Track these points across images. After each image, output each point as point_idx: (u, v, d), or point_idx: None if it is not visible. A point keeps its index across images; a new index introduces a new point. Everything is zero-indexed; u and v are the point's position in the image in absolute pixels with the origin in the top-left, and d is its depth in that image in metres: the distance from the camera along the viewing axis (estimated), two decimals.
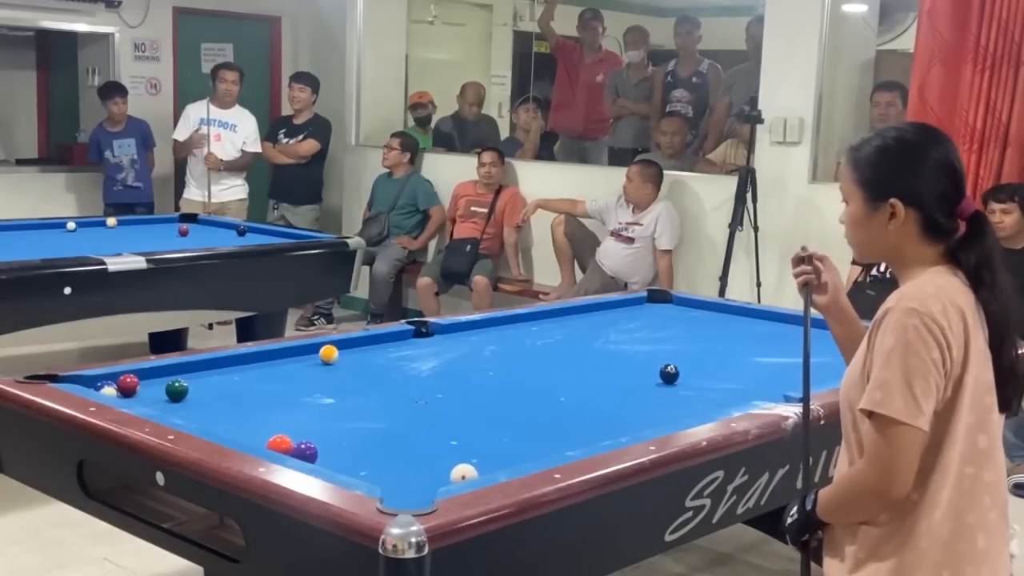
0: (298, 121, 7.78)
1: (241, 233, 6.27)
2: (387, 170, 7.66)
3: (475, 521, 2.10)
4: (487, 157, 7.14)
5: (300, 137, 7.72)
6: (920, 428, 1.81)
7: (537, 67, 8.66)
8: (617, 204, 6.47)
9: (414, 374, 3.47)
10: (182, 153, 7.61)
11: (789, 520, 2.01)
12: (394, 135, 7.75)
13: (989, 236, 1.95)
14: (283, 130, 7.83)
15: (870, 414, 1.83)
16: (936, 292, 1.86)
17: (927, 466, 1.87)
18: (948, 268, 1.93)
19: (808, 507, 1.97)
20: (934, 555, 1.88)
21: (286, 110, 8.65)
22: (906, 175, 1.92)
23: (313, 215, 7.79)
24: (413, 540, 1.97)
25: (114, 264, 4.92)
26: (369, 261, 7.16)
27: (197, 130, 7.39)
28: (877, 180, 1.94)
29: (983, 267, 1.93)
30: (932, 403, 1.83)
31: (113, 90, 7.54)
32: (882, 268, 5.42)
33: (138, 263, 5.01)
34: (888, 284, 5.32)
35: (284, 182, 7.81)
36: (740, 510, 2.78)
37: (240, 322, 6.06)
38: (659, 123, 7.25)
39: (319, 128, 7.76)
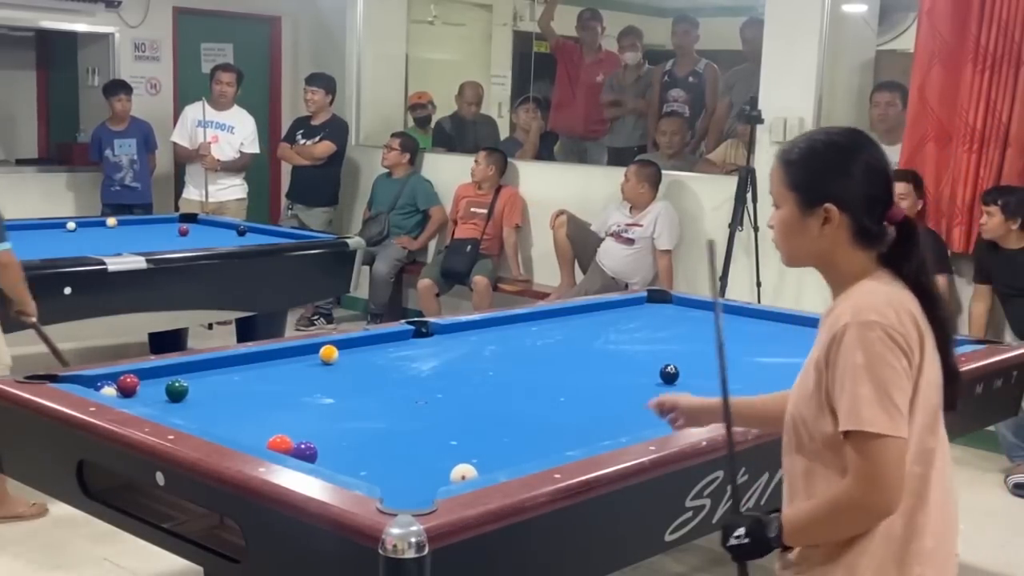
0: (315, 122, 7.77)
1: (241, 233, 6.27)
2: (387, 170, 7.66)
3: (475, 521, 2.10)
4: (479, 157, 7.17)
5: (317, 138, 7.72)
6: (904, 438, 1.80)
7: (537, 67, 8.67)
8: (614, 206, 6.48)
9: (414, 374, 3.48)
10: (186, 159, 7.61)
11: (736, 542, 1.92)
12: (394, 135, 7.75)
13: (919, 241, 1.93)
14: (301, 131, 7.83)
15: (849, 433, 1.80)
16: (888, 301, 1.84)
17: None
18: (889, 275, 1.90)
19: (771, 534, 1.90)
20: (886, 555, 1.86)
21: (286, 110, 8.68)
22: (840, 179, 1.89)
23: (326, 217, 7.78)
24: (413, 540, 1.97)
25: (114, 264, 4.92)
26: (369, 261, 7.17)
27: (204, 142, 7.38)
28: (811, 184, 1.90)
29: (921, 273, 1.92)
30: (907, 410, 1.83)
31: (118, 87, 7.54)
32: None
33: (138, 263, 5.01)
34: None
35: (300, 183, 7.81)
36: (740, 510, 2.77)
37: (240, 322, 6.07)
38: (658, 123, 7.26)
39: (335, 130, 7.75)
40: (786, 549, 1.92)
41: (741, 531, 1.92)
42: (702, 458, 2.59)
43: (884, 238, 1.91)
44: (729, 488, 2.05)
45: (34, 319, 4.31)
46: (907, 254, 1.91)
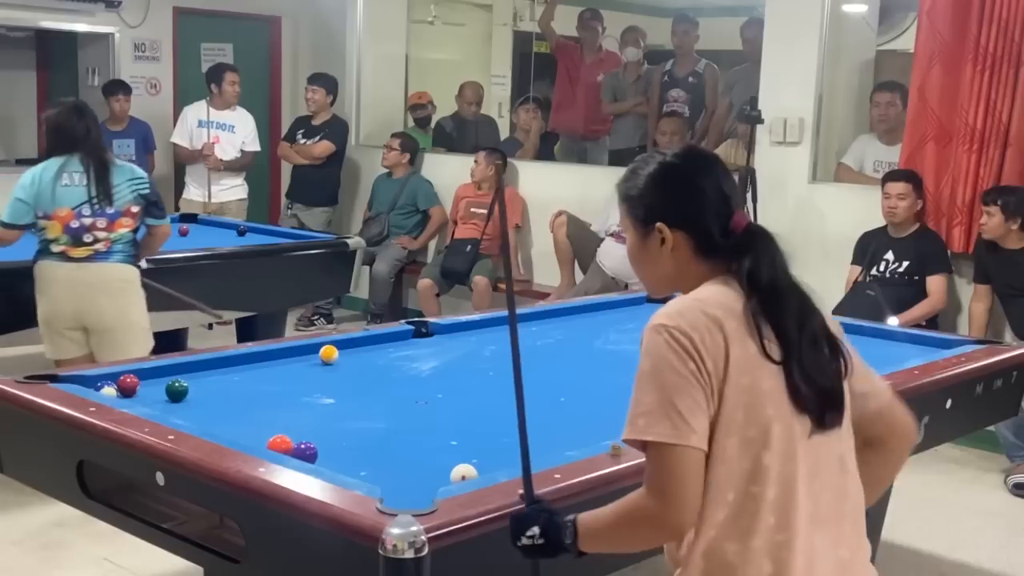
0: (316, 122, 7.78)
1: (241, 233, 6.27)
2: (387, 170, 7.67)
3: (475, 521, 2.10)
4: (479, 157, 7.17)
5: (316, 138, 7.72)
6: (694, 447, 1.70)
7: (537, 67, 8.67)
8: (615, 206, 6.46)
9: (414, 374, 3.48)
10: (188, 161, 7.60)
11: (529, 542, 1.85)
12: (394, 135, 7.75)
13: (763, 243, 1.86)
14: (301, 131, 7.83)
15: (640, 443, 1.73)
16: (691, 304, 1.79)
17: (706, 488, 1.76)
18: (718, 279, 1.84)
19: (567, 540, 1.83)
20: None
21: (286, 110, 8.68)
22: (668, 198, 1.88)
23: (326, 217, 7.79)
24: (413, 540, 1.97)
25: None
26: (369, 261, 7.17)
27: (207, 142, 7.38)
28: (643, 207, 1.90)
29: (759, 271, 1.81)
30: (703, 419, 1.71)
31: (116, 87, 7.54)
32: (881, 268, 5.43)
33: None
34: (888, 283, 5.33)
35: (300, 183, 7.82)
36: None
37: (240, 322, 6.07)
38: (658, 123, 7.26)
39: (335, 130, 7.76)
40: (581, 554, 1.85)
41: (536, 531, 1.85)
42: None
43: (728, 248, 1.85)
44: (522, 474, 1.97)
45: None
46: (743, 254, 1.84)
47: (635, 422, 1.73)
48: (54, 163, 4.30)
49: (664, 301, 1.92)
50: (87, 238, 4.26)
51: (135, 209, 4.36)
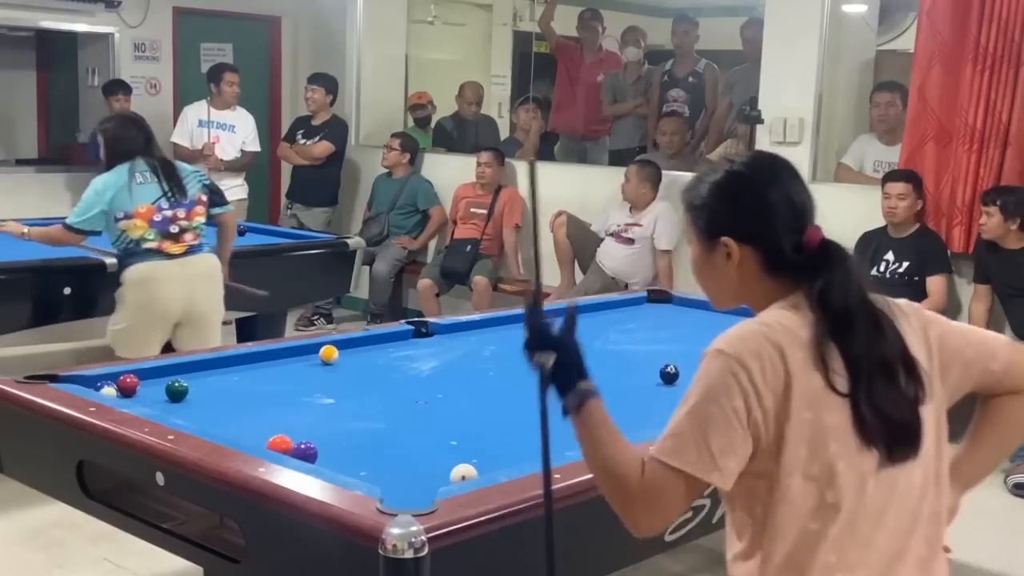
0: (316, 122, 7.78)
1: (241, 233, 6.26)
2: (387, 170, 7.66)
3: (475, 521, 2.10)
4: (483, 157, 7.15)
5: (316, 139, 7.72)
6: (705, 481, 1.64)
7: (537, 67, 8.66)
8: (615, 206, 6.48)
9: (414, 374, 3.48)
10: (188, 160, 7.59)
11: (539, 358, 1.76)
12: (394, 135, 7.75)
13: (839, 264, 1.73)
14: (301, 131, 7.83)
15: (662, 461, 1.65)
16: (756, 329, 1.69)
17: (760, 522, 1.70)
18: (786, 302, 1.73)
19: (568, 400, 1.75)
20: None
21: (286, 110, 8.67)
22: (736, 211, 1.77)
23: (325, 217, 7.78)
24: (413, 540, 1.97)
25: (114, 264, 4.91)
26: (369, 261, 7.17)
27: (207, 142, 7.38)
28: (708, 219, 1.79)
29: (831, 294, 1.70)
30: (732, 460, 1.63)
31: (117, 87, 7.54)
32: (881, 268, 5.43)
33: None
34: (888, 283, 5.33)
35: (300, 183, 7.82)
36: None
37: (240, 322, 6.06)
38: (658, 123, 7.26)
39: (335, 130, 7.75)
40: (567, 414, 1.76)
41: (551, 359, 1.75)
42: None
43: (800, 265, 1.74)
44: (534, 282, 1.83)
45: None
46: (816, 275, 1.72)
47: (664, 442, 1.66)
48: (122, 168, 4.43)
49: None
50: (172, 229, 4.43)
51: (204, 198, 4.57)
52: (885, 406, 1.68)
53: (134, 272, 4.41)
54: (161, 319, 4.45)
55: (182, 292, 4.46)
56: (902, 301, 1.81)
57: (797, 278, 1.74)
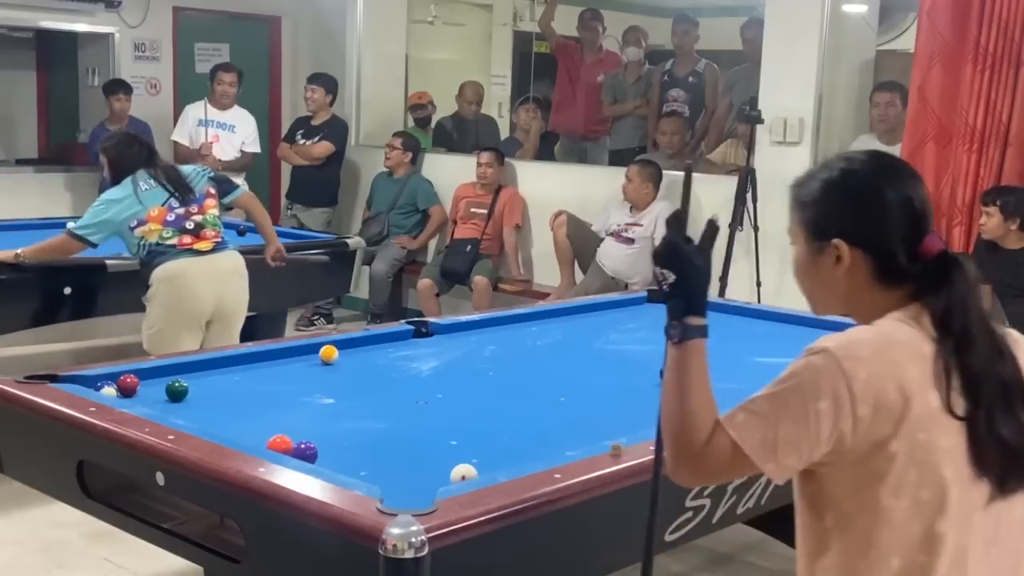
0: (315, 122, 7.78)
1: (241, 233, 6.26)
2: (387, 169, 7.66)
3: (475, 521, 2.10)
4: (484, 158, 7.15)
5: (316, 139, 7.72)
6: (765, 473, 1.57)
7: (537, 67, 8.67)
8: (615, 205, 6.48)
9: (414, 374, 3.48)
10: (188, 160, 7.59)
11: (659, 274, 1.67)
12: (396, 135, 7.74)
13: (960, 278, 1.63)
14: (301, 131, 7.83)
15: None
16: (871, 338, 1.60)
17: (853, 549, 1.60)
18: (905, 313, 1.63)
19: (675, 321, 1.63)
20: None
21: (286, 111, 8.67)
22: (850, 212, 1.67)
23: (325, 217, 7.77)
24: (413, 540, 1.97)
25: (114, 264, 4.92)
26: (368, 261, 7.16)
27: (205, 142, 7.38)
28: (818, 219, 1.69)
29: (953, 313, 1.61)
30: (793, 459, 1.56)
31: (117, 86, 7.54)
32: None
33: (138, 263, 5.00)
34: None
35: (299, 183, 7.82)
36: (740, 510, 2.78)
37: None
38: (658, 123, 7.26)
39: (334, 130, 7.74)
40: (669, 335, 1.64)
41: (672, 279, 1.64)
42: None
43: (915, 275, 1.64)
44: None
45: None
46: (938, 291, 1.62)
47: (737, 414, 1.59)
48: (126, 181, 4.50)
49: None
50: (188, 224, 4.48)
51: (212, 190, 4.64)
52: (1003, 432, 1.58)
53: (164, 271, 4.43)
54: (193, 317, 4.48)
55: (213, 289, 4.50)
56: (1011, 331, 1.72)
57: (913, 290, 1.64)
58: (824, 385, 1.54)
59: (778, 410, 1.56)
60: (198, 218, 4.53)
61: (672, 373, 1.63)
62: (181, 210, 4.49)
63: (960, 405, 1.57)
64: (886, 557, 1.58)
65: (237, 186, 4.94)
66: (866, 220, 1.66)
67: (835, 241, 1.66)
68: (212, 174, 4.77)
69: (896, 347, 1.59)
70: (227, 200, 4.79)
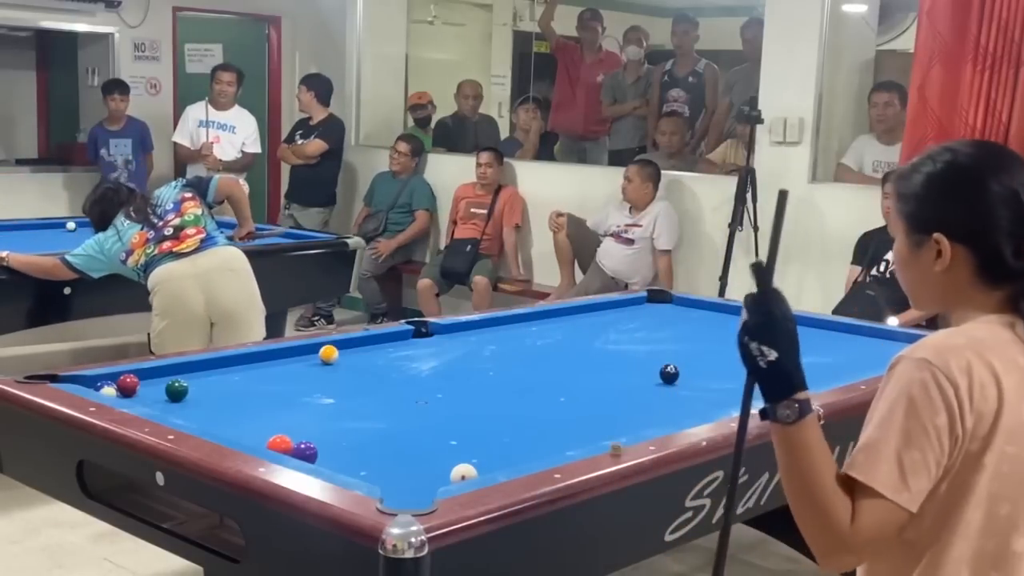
0: (313, 122, 7.78)
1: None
2: (388, 169, 7.66)
3: (475, 521, 2.10)
4: (484, 158, 7.15)
5: (311, 138, 7.72)
6: (901, 507, 1.47)
7: (537, 67, 8.67)
8: (614, 206, 6.48)
9: (414, 374, 3.48)
10: (189, 160, 7.60)
11: (754, 351, 1.52)
12: (401, 138, 7.72)
13: None
14: (300, 131, 7.83)
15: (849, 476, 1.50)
16: (966, 344, 1.52)
17: (927, 560, 1.54)
18: (1000, 317, 1.56)
19: (775, 411, 1.51)
20: None
21: (286, 111, 8.67)
22: (953, 205, 1.58)
23: (322, 217, 7.76)
24: (413, 540, 1.97)
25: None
26: None
27: (206, 142, 7.38)
28: (919, 212, 1.61)
29: None
30: (924, 480, 1.48)
31: (113, 86, 7.54)
32: (882, 268, 5.43)
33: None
34: (888, 283, 5.33)
35: (297, 183, 7.82)
36: (740, 510, 2.78)
37: None
38: (658, 123, 7.26)
39: (329, 128, 7.73)
40: (765, 416, 1.53)
41: (772, 355, 1.50)
42: (702, 458, 2.59)
43: (1020, 275, 1.56)
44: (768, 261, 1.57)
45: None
46: None
47: (857, 456, 1.50)
48: (110, 226, 4.62)
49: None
50: (167, 231, 4.54)
51: (188, 194, 4.68)
52: None
53: (154, 277, 4.51)
54: (190, 319, 4.50)
55: (198, 289, 4.50)
56: None
57: (1012, 294, 1.57)
58: (936, 398, 1.47)
59: (896, 438, 1.48)
60: (176, 222, 4.58)
61: (792, 459, 1.51)
62: (159, 223, 4.57)
63: None
64: (957, 570, 1.53)
65: (211, 177, 5.01)
66: (969, 214, 1.58)
67: (936, 235, 1.58)
68: (183, 181, 4.91)
69: (990, 353, 1.52)
70: (210, 197, 4.81)
